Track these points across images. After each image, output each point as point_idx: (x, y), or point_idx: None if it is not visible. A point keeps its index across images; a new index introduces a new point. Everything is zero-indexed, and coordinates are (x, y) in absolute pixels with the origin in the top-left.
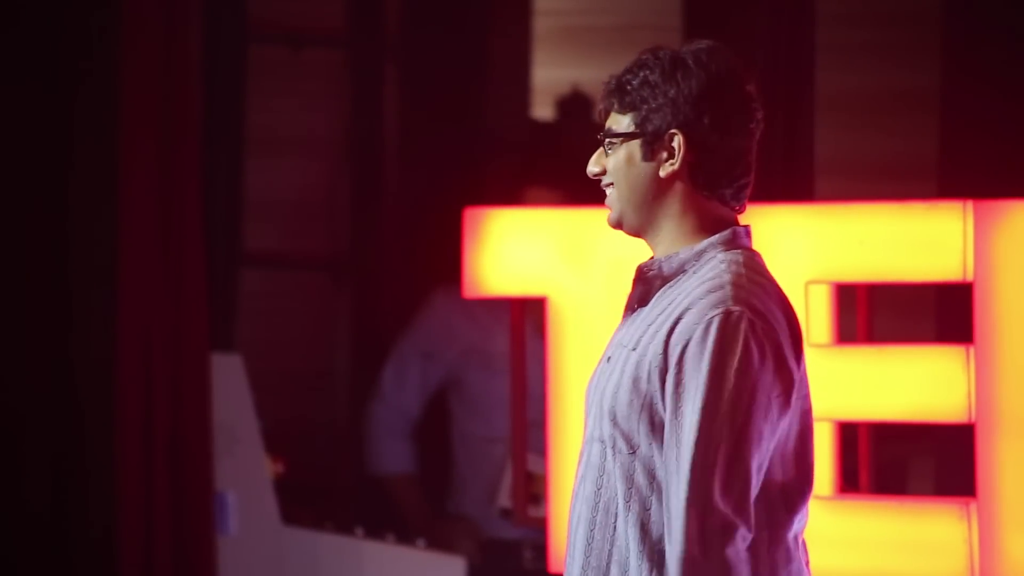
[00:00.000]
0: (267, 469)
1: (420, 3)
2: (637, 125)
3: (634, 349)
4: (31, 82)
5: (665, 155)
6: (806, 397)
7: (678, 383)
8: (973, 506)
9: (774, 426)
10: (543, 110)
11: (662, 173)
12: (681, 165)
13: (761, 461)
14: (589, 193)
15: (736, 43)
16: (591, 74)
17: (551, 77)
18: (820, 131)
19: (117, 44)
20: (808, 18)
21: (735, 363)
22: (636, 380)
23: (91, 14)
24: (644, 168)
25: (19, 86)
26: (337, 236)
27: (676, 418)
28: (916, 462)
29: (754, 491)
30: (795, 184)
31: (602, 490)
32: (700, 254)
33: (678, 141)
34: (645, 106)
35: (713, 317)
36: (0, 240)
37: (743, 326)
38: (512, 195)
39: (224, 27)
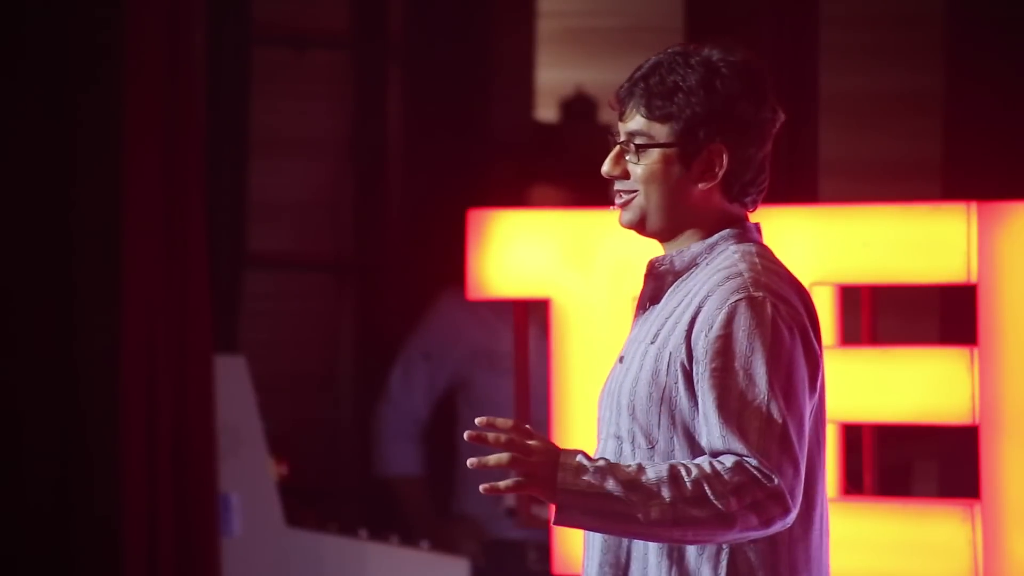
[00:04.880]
0: (271, 471)
1: (424, 5)
2: (677, 136)
3: (652, 342)
4: (35, 84)
5: (704, 167)
6: (822, 387)
7: (706, 368)
8: (977, 508)
9: (810, 406)
10: (547, 111)
11: (701, 186)
12: (720, 177)
13: (805, 440)
14: (593, 194)
15: (740, 45)
16: (595, 76)
17: (555, 78)
18: (824, 132)
19: (121, 46)
20: (812, 19)
21: (768, 346)
22: (655, 373)
23: (95, 17)
24: (680, 180)
25: (23, 88)
26: (341, 237)
27: (707, 407)
28: (920, 464)
29: (803, 471)
30: (799, 185)
31: None
32: (712, 247)
33: (721, 155)
34: (684, 116)
35: (737, 303)
36: (3, 241)
37: (768, 309)
38: (516, 197)
39: (228, 29)
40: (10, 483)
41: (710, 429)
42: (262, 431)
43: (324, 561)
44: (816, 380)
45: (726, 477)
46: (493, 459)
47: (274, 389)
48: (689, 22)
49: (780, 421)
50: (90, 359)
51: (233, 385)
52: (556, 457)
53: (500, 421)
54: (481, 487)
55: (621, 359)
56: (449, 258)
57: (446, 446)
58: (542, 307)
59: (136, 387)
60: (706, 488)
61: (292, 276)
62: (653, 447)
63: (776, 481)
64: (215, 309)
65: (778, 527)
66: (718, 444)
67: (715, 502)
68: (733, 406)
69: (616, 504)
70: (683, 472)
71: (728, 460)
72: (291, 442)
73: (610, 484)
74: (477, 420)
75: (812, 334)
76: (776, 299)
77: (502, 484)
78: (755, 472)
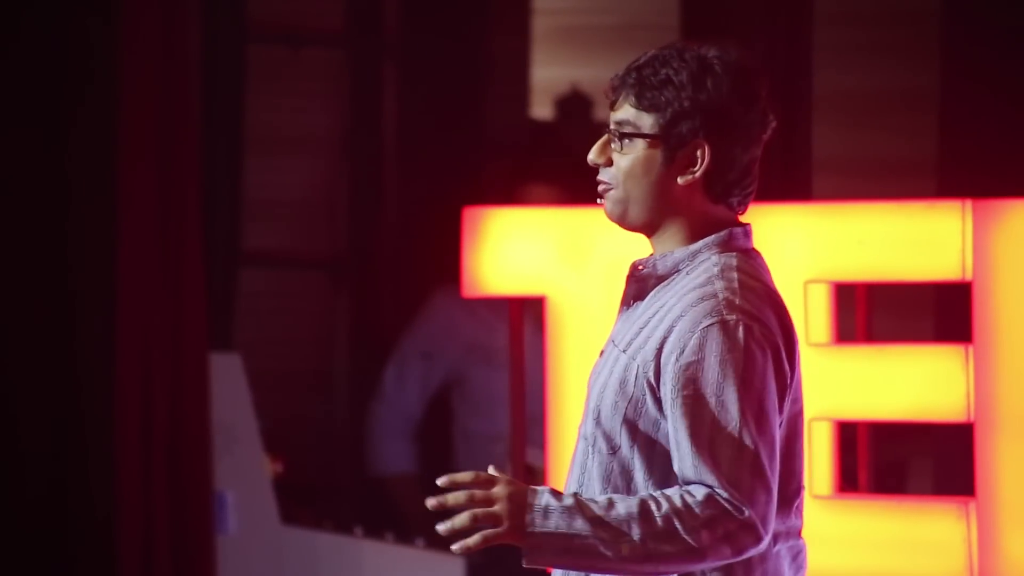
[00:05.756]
0: (266, 468)
1: (419, 2)
2: (661, 128)
3: (624, 351)
4: (30, 81)
5: (685, 163)
6: (797, 400)
7: (678, 395)
8: (972, 505)
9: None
10: (542, 110)
11: (681, 181)
12: (700, 175)
13: (777, 464)
14: (588, 192)
15: (740, 46)
16: (590, 74)
17: (550, 76)
18: (818, 130)
19: (116, 44)
20: (806, 17)
21: (740, 372)
22: (623, 383)
23: (90, 15)
24: (661, 173)
25: (18, 85)
26: (336, 235)
27: (679, 435)
28: (915, 461)
29: (775, 496)
30: (793, 183)
31: (583, 488)
32: (695, 255)
33: (702, 151)
34: (670, 109)
35: (709, 327)
36: (0, 240)
37: (741, 333)
38: (511, 194)
39: (223, 27)
40: (6, 481)
41: (682, 457)
42: (257, 429)
43: (319, 559)
44: (785, 399)
45: (697, 511)
46: (458, 521)
47: (269, 387)
48: (684, 20)
49: (752, 448)
50: (86, 357)
51: (228, 383)
52: (523, 500)
53: (460, 476)
54: (453, 547)
55: (602, 354)
56: (444, 256)
57: (440, 443)
58: (537, 304)
59: (131, 385)
60: (676, 523)
61: (287, 274)
62: (615, 453)
63: (747, 512)
64: (210, 307)
65: (751, 554)
66: (690, 474)
67: (686, 537)
68: (705, 435)
69: (586, 543)
70: (653, 507)
71: (699, 492)
72: (286, 440)
73: (578, 524)
74: (439, 481)
75: (785, 352)
76: (750, 320)
77: (471, 541)
78: (726, 504)
